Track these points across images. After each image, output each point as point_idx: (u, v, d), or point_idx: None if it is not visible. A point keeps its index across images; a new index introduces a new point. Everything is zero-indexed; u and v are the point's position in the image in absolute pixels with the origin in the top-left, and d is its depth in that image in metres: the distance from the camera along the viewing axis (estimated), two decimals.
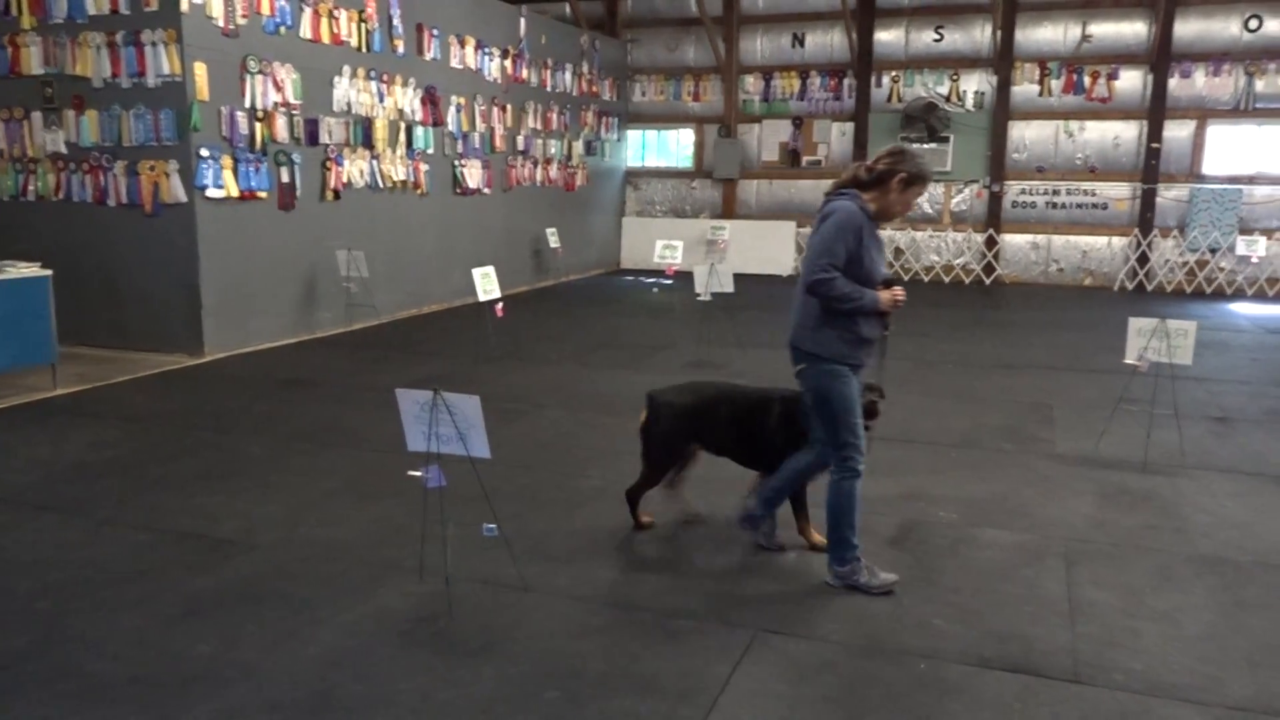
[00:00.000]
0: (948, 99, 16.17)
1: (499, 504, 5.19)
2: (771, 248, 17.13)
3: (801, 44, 17.01)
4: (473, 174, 13.38)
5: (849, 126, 16.78)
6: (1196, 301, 14.15)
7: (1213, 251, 14.97)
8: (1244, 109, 14.73)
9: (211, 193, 9.21)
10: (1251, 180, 14.84)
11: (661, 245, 13.97)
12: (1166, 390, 7.28)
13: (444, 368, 8.97)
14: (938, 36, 16.21)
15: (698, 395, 4.86)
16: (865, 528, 4.89)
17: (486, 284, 9.09)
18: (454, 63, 12.79)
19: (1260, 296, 14.71)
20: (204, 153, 9.09)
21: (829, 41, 16.80)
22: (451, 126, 12.81)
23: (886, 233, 16.75)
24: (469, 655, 3.68)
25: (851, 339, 4.19)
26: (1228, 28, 14.71)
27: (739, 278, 13.31)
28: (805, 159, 17.22)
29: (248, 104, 9.55)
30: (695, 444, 4.89)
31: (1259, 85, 14.60)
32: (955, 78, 16.16)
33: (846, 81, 16.72)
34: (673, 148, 18.54)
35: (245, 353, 9.57)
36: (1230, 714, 3.36)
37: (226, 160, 9.36)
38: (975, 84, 16.10)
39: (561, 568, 4.51)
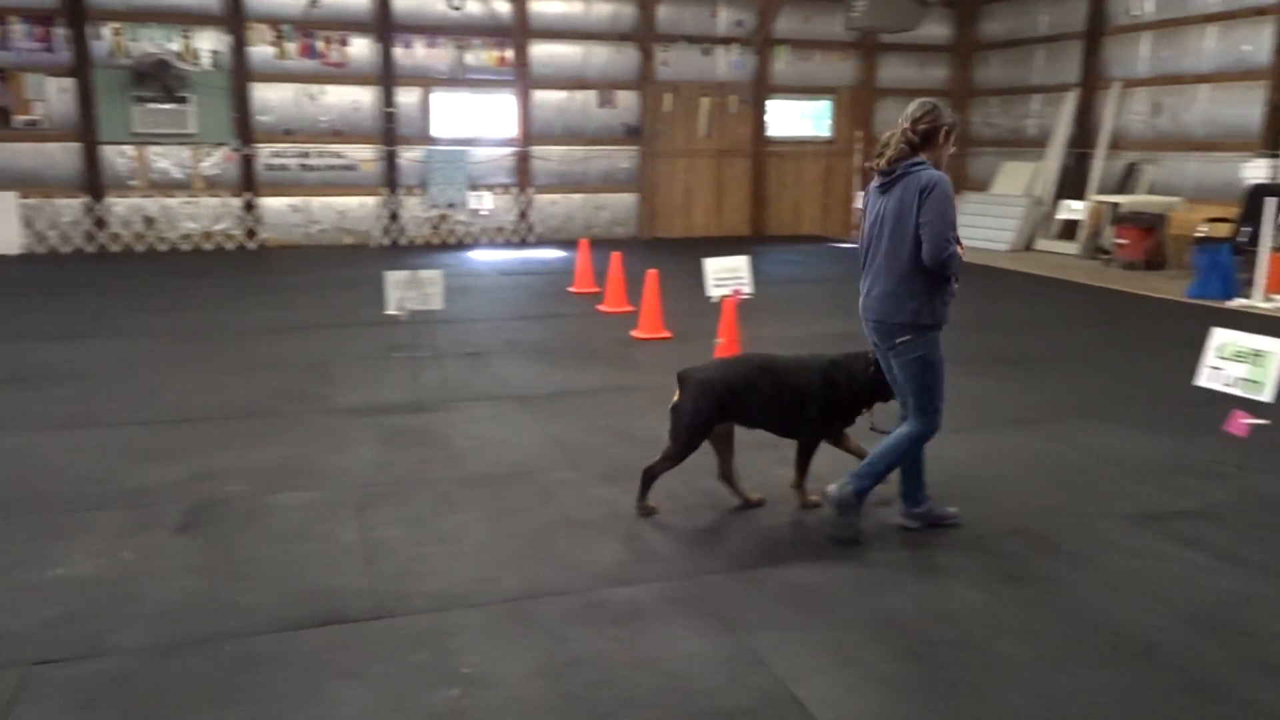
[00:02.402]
0: (181, 57, 15.29)
1: None
2: None
3: None
4: None
5: (70, 82, 14.87)
6: (442, 252, 15.73)
7: (450, 206, 16.76)
8: (459, 79, 16.62)
9: None
10: (473, 142, 16.87)
11: None
12: (427, 334, 8.01)
13: None
14: None
15: (729, 368, 4.75)
16: (150, 521, 4.54)
17: None
18: None
19: (492, 244, 16.93)
20: None
21: None
22: None
23: (132, 200, 15.42)
24: None
25: (949, 300, 4.36)
26: (437, 4, 16.34)
27: None
28: (19, 118, 14.85)
29: None
30: (729, 420, 4.74)
31: (468, 58, 16.58)
32: (187, 35, 15.33)
33: (59, 31, 14.75)
34: None
35: None
36: (508, 605, 3.88)
37: None
38: (210, 43, 15.48)
39: None
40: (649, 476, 4.77)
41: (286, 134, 16.00)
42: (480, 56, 16.66)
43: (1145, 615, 3.84)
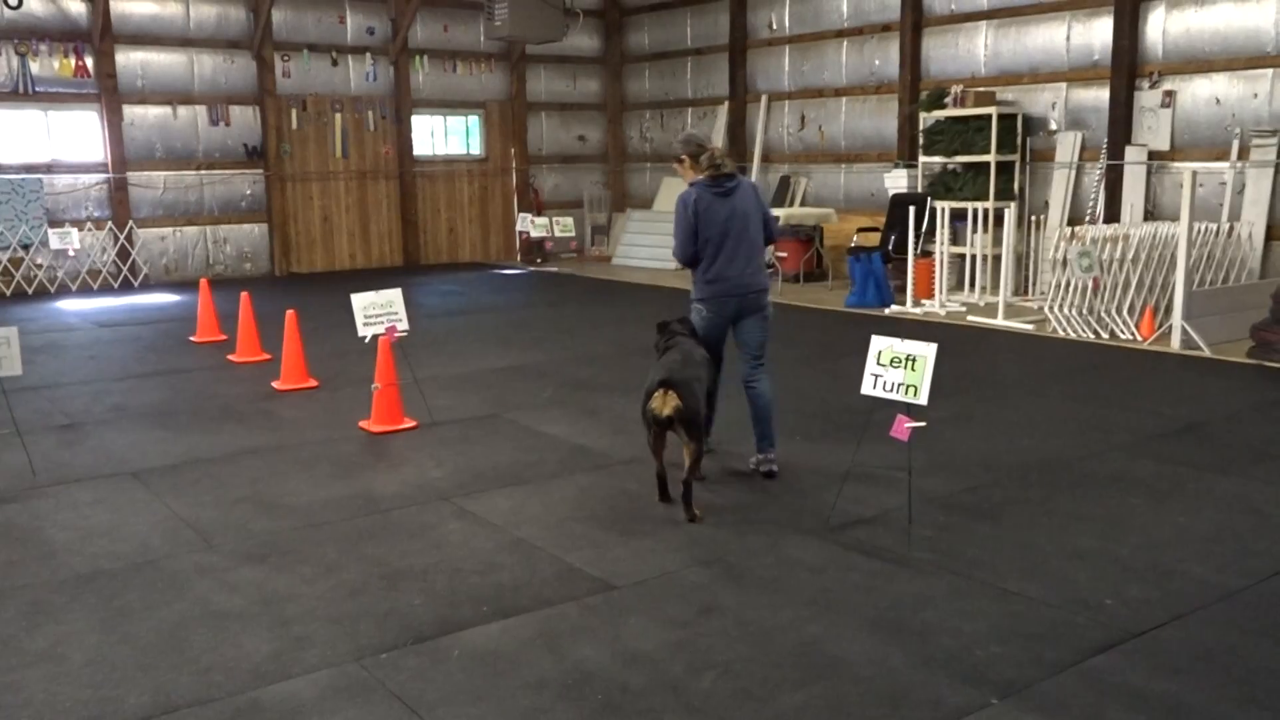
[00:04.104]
0: None
1: None
2: None
3: None
4: None
5: None
6: (20, 304, 14.12)
7: (25, 248, 15.04)
8: (24, 93, 15.00)
9: None
10: (50, 169, 15.32)
11: None
12: (0, 407, 7.14)
13: None
14: None
15: (694, 362, 5.81)
16: None
17: None
18: None
19: (85, 290, 15.42)
20: None
21: None
22: None
23: None
24: None
25: None
26: None
27: None
28: None
29: None
30: None
31: (34, 67, 15.02)
32: None
33: None
34: None
35: None
36: None
37: None
38: None
39: None
40: (688, 486, 5.47)
41: None
42: (51, 65, 15.18)
43: (832, 629, 4.22)
